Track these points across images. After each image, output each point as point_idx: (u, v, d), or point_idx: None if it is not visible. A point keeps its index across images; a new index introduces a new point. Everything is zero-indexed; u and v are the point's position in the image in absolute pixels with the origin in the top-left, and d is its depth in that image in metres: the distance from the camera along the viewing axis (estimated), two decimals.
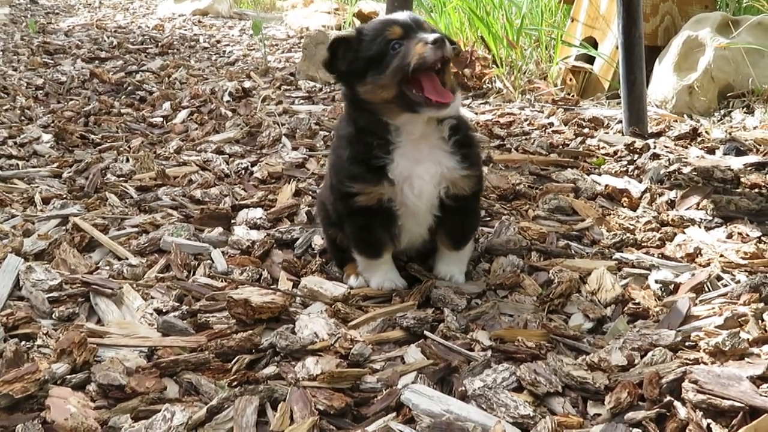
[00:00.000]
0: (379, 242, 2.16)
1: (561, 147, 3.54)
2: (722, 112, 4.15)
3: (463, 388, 1.66)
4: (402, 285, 2.18)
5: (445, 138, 2.06)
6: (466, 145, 2.10)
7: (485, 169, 3.12)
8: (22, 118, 4.24)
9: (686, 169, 3.14)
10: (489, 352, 1.82)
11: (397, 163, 2.02)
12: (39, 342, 1.88)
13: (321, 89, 5.02)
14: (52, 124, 4.07)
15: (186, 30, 8.29)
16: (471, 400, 1.62)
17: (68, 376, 1.72)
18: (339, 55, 2.02)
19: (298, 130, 3.91)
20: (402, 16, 2.00)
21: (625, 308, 2.05)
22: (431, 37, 1.88)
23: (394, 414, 1.60)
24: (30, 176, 3.24)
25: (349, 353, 1.82)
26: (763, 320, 1.90)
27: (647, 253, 2.40)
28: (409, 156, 2.03)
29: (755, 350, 1.75)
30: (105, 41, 7.10)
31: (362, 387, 1.71)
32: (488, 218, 2.66)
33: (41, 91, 4.92)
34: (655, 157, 3.34)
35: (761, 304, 1.97)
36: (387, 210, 2.08)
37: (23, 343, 1.87)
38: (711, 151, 3.48)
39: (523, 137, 3.71)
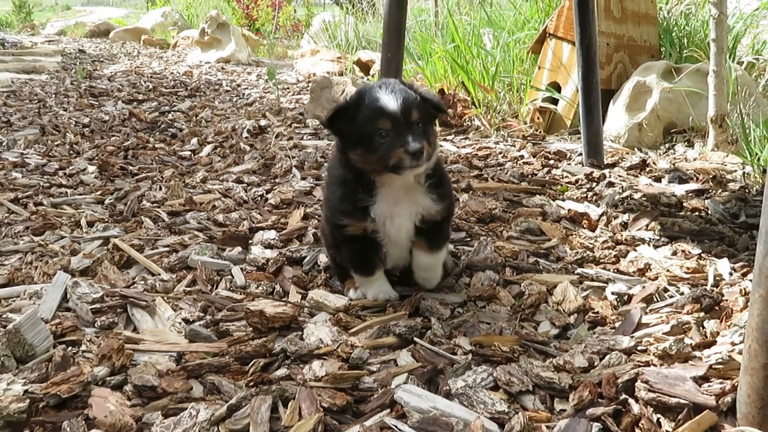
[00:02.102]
0: (371, 262, 2.15)
1: (530, 176, 3.54)
2: (667, 145, 4.16)
3: (448, 388, 1.65)
4: (394, 296, 2.17)
5: (422, 182, 2.05)
6: (439, 185, 2.09)
7: (465, 195, 3.12)
8: (71, 152, 4.25)
9: (637, 195, 3.15)
10: (470, 356, 1.81)
11: (379, 205, 2.03)
12: (83, 348, 1.86)
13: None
14: (96, 158, 4.08)
15: (211, 75, 8.31)
16: (454, 398, 1.62)
17: (108, 378, 1.71)
18: (337, 118, 1.98)
19: (306, 162, 3.92)
20: (392, 104, 1.89)
21: (586, 317, 2.05)
22: (412, 147, 1.86)
23: (389, 410, 1.59)
24: (77, 202, 3.24)
25: (350, 357, 1.81)
26: (704, 327, 1.90)
27: (604, 268, 2.39)
28: (389, 199, 2.04)
29: (697, 354, 1.75)
30: (142, 85, 7.13)
31: (361, 386, 1.70)
32: (468, 239, 2.66)
33: (87, 129, 4.92)
34: (611, 185, 3.35)
35: (702, 314, 1.98)
36: (372, 239, 2.08)
37: (70, 348, 1.85)
38: (658, 179, 3.49)
39: (498, 168, 3.72)
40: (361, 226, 2.05)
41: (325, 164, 3.84)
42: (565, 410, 1.58)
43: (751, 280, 2.17)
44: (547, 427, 1.50)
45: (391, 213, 2.04)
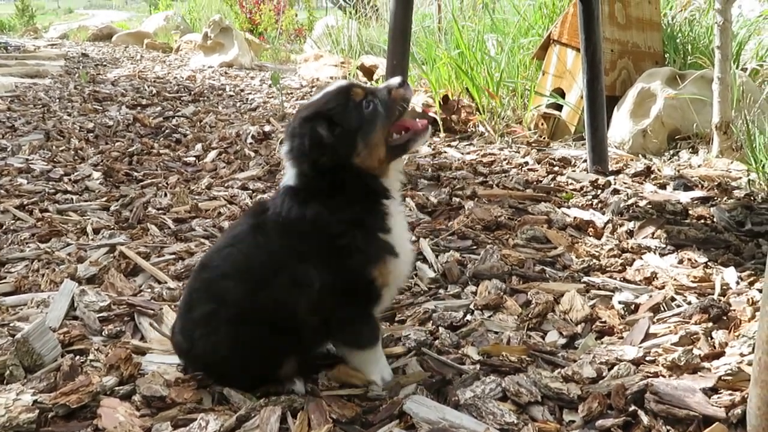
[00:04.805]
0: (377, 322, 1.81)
1: (535, 183, 3.54)
2: (671, 152, 4.16)
3: (456, 398, 1.65)
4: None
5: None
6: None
7: (471, 203, 3.12)
8: (76, 157, 4.25)
9: (642, 203, 3.14)
10: (478, 366, 1.81)
11: (394, 231, 1.69)
12: (91, 357, 1.86)
13: None
14: (101, 163, 4.08)
15: (214, 80, 8.31)
16: (463, 408, 1.61)
17: (116, 388, 1.71)
18: (316, 152, 1.59)
19: None
20: (344, 81, 1.72)
21: (593, 326, 2.04)
22: (395, 80, 1.68)
23: (398, 421, 1.59)
24: (83, 209, 3.24)
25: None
26: (712, 338, 1.90)
27: (611, 277, 2.39)
28: (397, 221, 1.71)
29: (706, 365, 1.75)
30: (146, 90, 7.12)
31: (369, 396, 1.70)
32: (474, 246, 2.66)
33: (92, 134, 4.92)
34: (616, 192, 3.34)
35: (710, 324, 1.98)
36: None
37: (77, 358, 1.85)
38: (663, 186, 3.48)
39: (503, 175, 3.71)
40: (390, 269, 1.67)
41: None
42: (574, 421, 1.57)
43: (759, 290, 2.18)
44: None
45: (403, 237, 1.72)
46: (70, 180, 3.73)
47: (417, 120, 1.72)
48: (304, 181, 1.64)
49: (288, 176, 1.67)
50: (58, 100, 6.40)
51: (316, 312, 1.64)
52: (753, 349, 1.76)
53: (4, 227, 2.94)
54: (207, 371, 1.74)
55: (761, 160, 3.46)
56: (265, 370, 1.72)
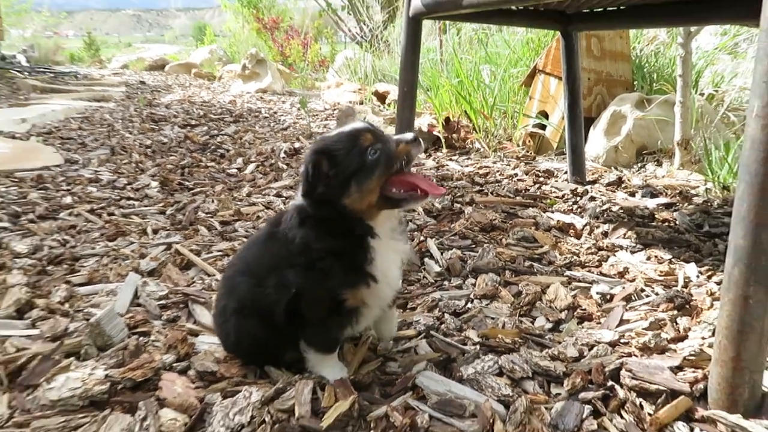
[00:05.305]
0: (340, 336, 1.66)
1: (524, 191, 3.53)
2: (639, 165, 4.15)
3: (460, 374, 1.65)
4: (346, 375, 1.65)
5: (399, 227, 1.62)
6: (404, 229, 1.68)
7: (470, 208, 3.12)
8: (136, 169, 4.27)
9: (615, 208, 3.13)
10: (478, 347, 1.81)
11: (377, 262, 1.52)
12: (152, 338, 1.88)
13: None
14: (157, 174, 4.10)
15: (252, 104, 8.33)
16: (466, 382, 1.61)
17: (174, 364, 1.72)
18: (316, 183, 1.46)
19: None
20: (362, 124, 1.54)
21: (575, 313, 2.04)
22: (408, 135, 1.50)
23: (411, 392, 1.59)
24: (143, 213, 3.26)
25: (377, 347, 1.82)
26: (677, 324, 1.89)
27: (589, 271, 2.39)
28: (382, 251, 1.54)
29: (673, 346, 1.74)
30: (194, 112, 7.15)
31: (387, 371, 1.71)
32: (473, 246, 2.66)
33: (149, 150, 4.95)
34: (592, 199, 3.34)
35: (675, 311, 1.97)
36: (359, 306, 1.58)
37: (141, 338, 1.87)
38: (632, 194, 3.47)
39: (496, 184, 3.71)
40: (364, 294, 1.54)
41: None
42: (560, 394, 1.57)
43: (716, 283, 2.17)
44: (546, 408, 1.49)
45: (387, 268, 1.55)
46: (132, 188, 3.76)
47: (430, 184, 1.50)
48: (305, 202, 1.54)
49: (297, 194, 1.58)
50: (120, 121, 6.43)
51: (286, 310, 1.54)
52: (712, 333, 1.77)
53: (78, 228, 2.95)
54: (230, 353, 1.75)
55: (716, 172, 3.45)
56: (268, 357, 1.70)
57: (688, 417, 1.44)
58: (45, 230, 2.89)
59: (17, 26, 22.20)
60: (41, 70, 12.61)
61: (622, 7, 3.04)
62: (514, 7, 3.18)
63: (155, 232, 2.93)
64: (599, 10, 3.23)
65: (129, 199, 3.54)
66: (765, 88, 1.29)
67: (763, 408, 1.41)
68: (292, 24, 14.76)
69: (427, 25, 7.75)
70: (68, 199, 3.43)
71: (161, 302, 2.15)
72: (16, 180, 3.85)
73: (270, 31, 14.22)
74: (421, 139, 1.52)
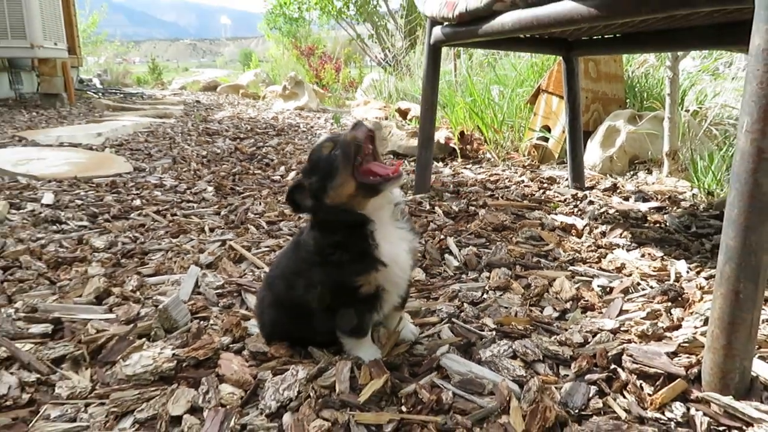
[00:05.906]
0: (369, 321, 1.63)
1: (530, 196, 3.49)
2: (632, 173, 4.07)
3: (479, 356, 1.63)
4: (380, 356, 1.64)
5: (401, 218, 1.60)
6: (410, 221, 1.65)
7: (483, 210, 3.09)
8: (195, 176, 4.30)
9: (611, 211, 3.08)
10: (494, 333, 1.78)
11: (382, 246, 1.49)
12: (211, 322, 1.88)
13: None
14: (212, 180, 4.13)
15: (291, 120, 8.36)
16: (485, 364, 1.59)
17: (231, 345, 1.73)
18: (298, 198, 1.50)
19: None
20: (324, 137, 1.52)
21: (579, 304, 2.00)
22: (351, 124, 1.45)
23: (436, 372, 1.57)
24: (201, 214, 3.28)
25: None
26: (671, 314, 1.84)
27: (590, 266, 2.34)
28: (386, 237, 1.51)
29: (668, 334, 1.70)
30: (242, 127, 7.18)
31: (415, 353, 1.69)
32: (487, 243, 2.62)
33: (205, 159, 4.98)
34: (591, 203, 3.28)
35: (669, 303, 1.92)
36: (377, 292, 1.54)
37: (202, 323, 1.88)
38: (626, 198, 3.41)
39: (506, 189, 3.67)
40: (377, 278, 1.50)
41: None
42: (568, 375, 1.54)
43: (705, 278, 2.12)
44: (556, 388, 1.46)
45: (396, 252, 1.52)
46: (191, 192, 3.79)
47: (384, 168, 1.47)
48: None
49: None
50: (180, 134, 6.49)
51: (320, 305, 1.55)
52: (704, 323, 1.72)
53: (146, 227, 2.98)
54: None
55: (701, 179, 3.38)
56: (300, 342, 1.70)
57: (684, 398, 1.40)
58: (118, 228, 2.92)
59: (93, 54, 22.61)
60: (113, 91, 12.80)
61: (617, 35, 2.99)
62: (521, 36, 3.14)
63: (212, 230, 2.95)
64: (597, 37, 3.18)
65: (189, 201, 3.57)
66: (753, 107, 1.26)
67: (753, 391, 1.37)
68: (326, 50, 14.81)
69: (443, 50, 7.70)
70: (137, 202, 3.47)
71: (218, 291, 2.16)
72: (94, 185, 3.90)
73: (306, 57, 14.28)
74: (364, 120, 1.52)
